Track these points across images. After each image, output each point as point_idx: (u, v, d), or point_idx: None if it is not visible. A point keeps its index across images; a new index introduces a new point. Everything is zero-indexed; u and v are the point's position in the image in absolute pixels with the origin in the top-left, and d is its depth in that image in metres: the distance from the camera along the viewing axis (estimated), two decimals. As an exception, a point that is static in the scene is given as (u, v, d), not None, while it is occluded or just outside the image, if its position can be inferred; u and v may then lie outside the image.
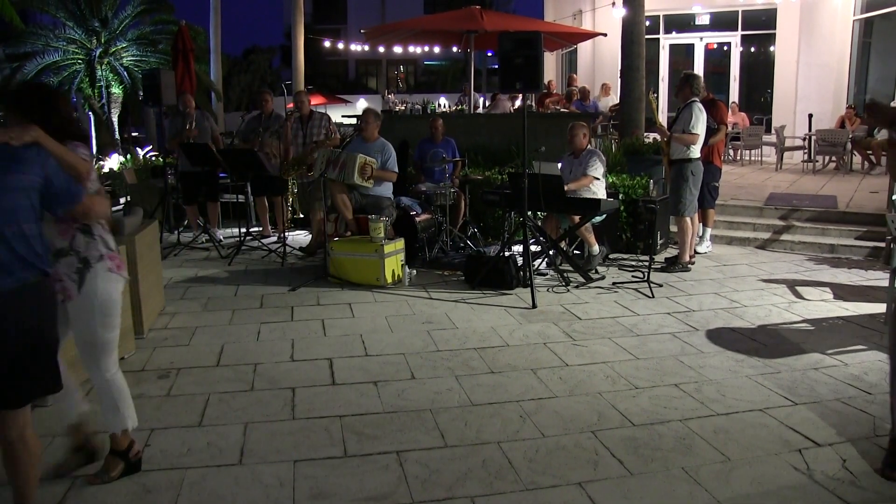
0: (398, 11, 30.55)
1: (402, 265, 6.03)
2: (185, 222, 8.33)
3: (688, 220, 6.31)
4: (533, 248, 6.19)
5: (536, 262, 6.31)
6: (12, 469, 2.34)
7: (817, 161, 11.68)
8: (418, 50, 15.41)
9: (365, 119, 6.78)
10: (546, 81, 12.88)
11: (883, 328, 4.68)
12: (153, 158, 11.70)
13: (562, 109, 11.70)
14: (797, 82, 13.27)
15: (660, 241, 7.00)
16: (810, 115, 12.61)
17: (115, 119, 15.18)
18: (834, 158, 11.45)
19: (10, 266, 2.17)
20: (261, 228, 8.23)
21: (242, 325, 4.88)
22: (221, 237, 7.83)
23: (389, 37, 13.07)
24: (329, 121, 7.59)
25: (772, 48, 14.59)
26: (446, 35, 12.41)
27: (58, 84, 14.60)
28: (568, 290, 5.73)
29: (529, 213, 5.91)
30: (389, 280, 5.85)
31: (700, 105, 6.16)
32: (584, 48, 16.50)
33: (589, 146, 6.62)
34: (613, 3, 13.95)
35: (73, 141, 2.55)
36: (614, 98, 13.05)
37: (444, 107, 16.28)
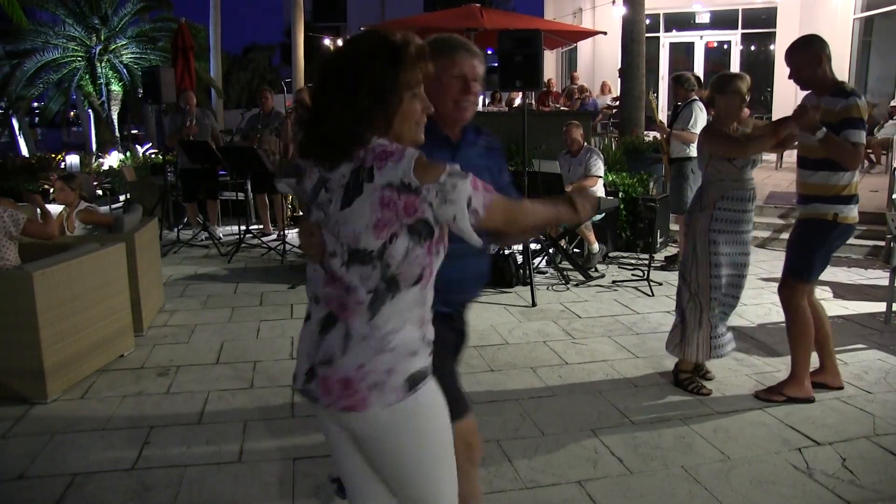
0: (398, 9, 30.51)
1: (402, 263, 6.01)
2: (185, 220, 8.32)
3: (689, 218, 6.30)
4: (532, 246, 6.19)
5: (536, 261, 6.30)
6: None
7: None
8: (418, 48, 15.38)
9: None
10: (546, 80, 12.88)
11: (883, 327, 4.68)
12: (153, 156, 11.70)
13: (561, 108, 11.70)
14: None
15: (659, 240, 7.00)
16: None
17: (114, 116, 15.17)
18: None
19: None
20: (261, 226, 8.23)
21: (242, 323, 4.88)
22: (221, 235, 7.83)
23: (389, 35, 13.05)
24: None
25: (772, 47, 14.59)
26: (446, 33, 12.39)
27: (57, 81, 14.61)
28: (567, 289, 5.72)
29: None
30: (389, 278, 5.84)
31: (700, 104, 6.15)
32: (584, 47, 16.49)
33: (586, 144, 6.62)
34: (613, 2, 13.94)
35: None
36: (611, 96, 13.07)
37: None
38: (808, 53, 3.39)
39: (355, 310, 1.49)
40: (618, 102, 11.25)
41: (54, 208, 4.98)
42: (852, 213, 3.41)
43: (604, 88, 13.55)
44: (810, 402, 3.48)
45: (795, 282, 3.51)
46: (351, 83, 1.44)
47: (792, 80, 3.56)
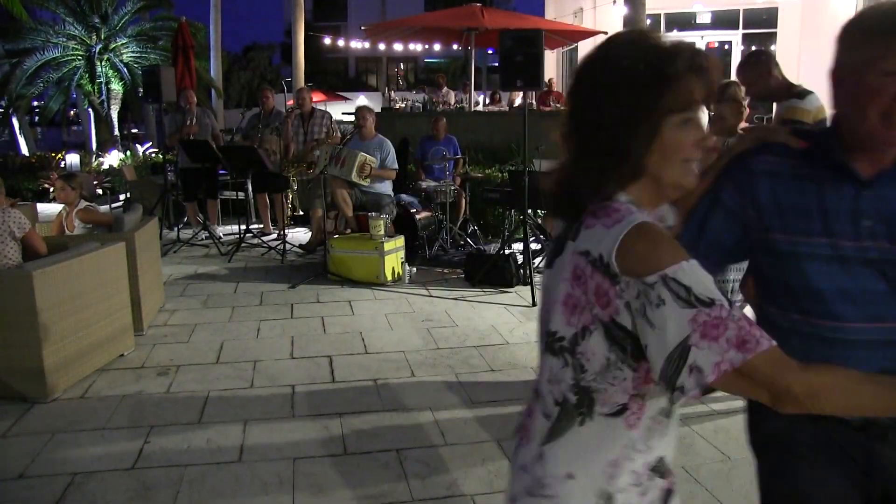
0: (399, 9, 30.50)
1: (402, 263, 6.02)
2: (185, 219, 8.32)
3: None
4: (533, 245, 6.18)
5: (536, 261, 6.30)
6: None
7: (818, 160, 11.66)
8: (419, 47, 15.39)
9: (362, 116, 6.79)
10: (547, 80, 12.88)
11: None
12: (153, 155, 11.70)
13: (562, 108, 11.70)
14: (798, 81, 13.24)
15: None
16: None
17: (114, 115, 15.17)
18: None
19: None
20: (261, 225, 8.23)
21: (242, 323, 4.88)
22: (221, 234, 7.83)
23: (390, 34, 13.07)
24: (330, 119, 7.58)
25: (773, 47, 14.57)
26: (447, 32, 12.40)
27: (57, 80, 14.60)
28: (568, 289, 5.71)
29: (529, 210, 5.90)
30: (389, 278, 5.85)
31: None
32: (584, 47, 16.47)
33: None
34: (614, 2, 13.92)
35: None
36: None
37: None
38: (757, 69, 3.54)
39: (534, 425, 1.13)
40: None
41: (54, 207, 4.98)
42: None
43: None
44: None
45: None
46: (591, 107, 1.08)
47: (749, 96, 3.71)
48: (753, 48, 15.09)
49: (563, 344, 1.06)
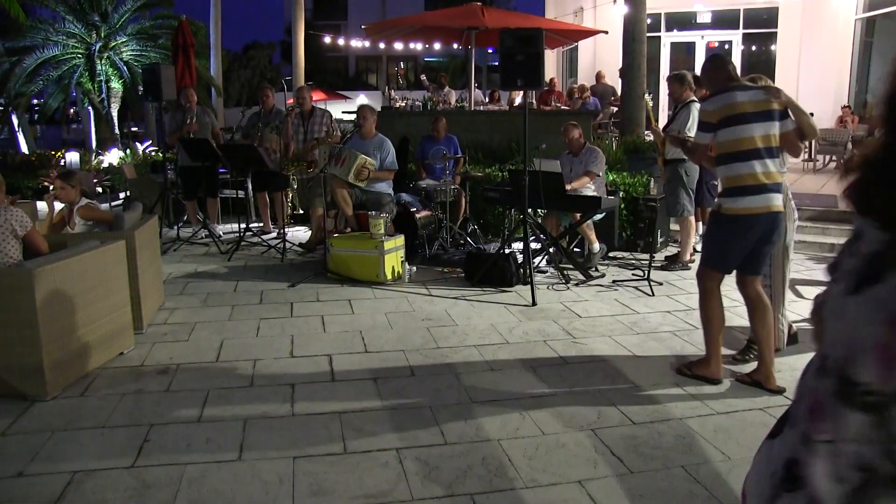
0: (399, 7, 30.48)
1: (402, 262, 6.02)
2: (185, 217, 8.32)
3: (690, 218, 6.29)
4: (533, 245, 6.18)
5: (536, 260, 6.30)
6: None
7: (818, 160, 11.68)
8: (419, 46, 15.39)
9: (362, 115, 6.79)
10: (548, 79, 12.90)
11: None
12: (153, 153, 11.69)
13: (562, 107, 11.70)
14: (798, 81, 13.26)
15: (660, 240, 6.99)
16: (811, 114, 12.60)
17: (114, 114, 15.16)
18: (834, 158, 11.45)
19: None
20: (261, 224, 8.23)
21: (242, 321, 4.88)
22: (221, 233, 7.82)
23: (390, 33, 13.07)
24: (330, 118, 7.58)
25: (773, 47, 14.57)
26: (447, 31, 12.41)
27: (57, 78, 14.59)
28: (568, 288, 5.72)
29: (530, 210, 5.90)
30: (389, 277, 5.85)
31: (699, 105, 6.09)
32: (584, 46, 16.49)
33: (588, 143, 6.62)
34: (615, 1, 13.93)
35: None
36: (608, 86, 13.14)
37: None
38: (724, 71, 3.79)
39: (812, 483, 0.90)
40: (619, 101, 11.24)
41: (55, 206, 4.97)
42: (736, 204, 3.62)
43: (599, 77, 13.68)
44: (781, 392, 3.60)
45: (704, 268, 3.88)
46: None
47: (705, 92, 3.97)
48: (754, 48, 15.14)
49: (874, 400, 0.83)
